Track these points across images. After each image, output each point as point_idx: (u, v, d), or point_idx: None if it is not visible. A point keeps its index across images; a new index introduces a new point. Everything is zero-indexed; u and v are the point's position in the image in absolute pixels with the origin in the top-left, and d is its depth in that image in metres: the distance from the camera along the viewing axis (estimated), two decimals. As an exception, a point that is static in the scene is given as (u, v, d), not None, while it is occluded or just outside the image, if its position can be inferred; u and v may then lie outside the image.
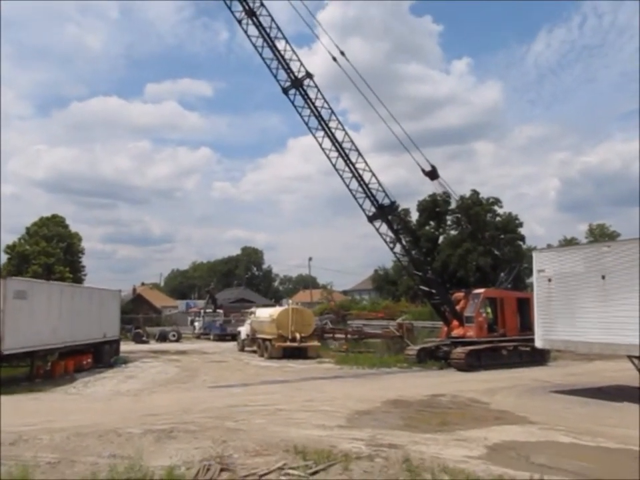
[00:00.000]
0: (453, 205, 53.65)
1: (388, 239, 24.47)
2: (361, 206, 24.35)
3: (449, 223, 59.07)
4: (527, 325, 22.48)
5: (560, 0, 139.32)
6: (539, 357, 23.18)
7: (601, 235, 64.34)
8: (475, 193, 56.95)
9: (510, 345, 23.32)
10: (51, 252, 46.76)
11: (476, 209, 54.53)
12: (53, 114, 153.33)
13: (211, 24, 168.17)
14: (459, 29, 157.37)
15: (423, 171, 25.03)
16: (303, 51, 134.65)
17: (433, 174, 25.12)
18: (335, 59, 24.70)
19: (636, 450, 9.03)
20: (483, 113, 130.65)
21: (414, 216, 59.33)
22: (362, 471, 7.85)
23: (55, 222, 50.63)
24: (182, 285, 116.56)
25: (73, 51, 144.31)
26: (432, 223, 59.15)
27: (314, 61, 77.14)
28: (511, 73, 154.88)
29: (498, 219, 56.49)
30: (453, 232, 58.40)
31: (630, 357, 14.85)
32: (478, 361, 22.01)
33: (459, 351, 22.02)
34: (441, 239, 58.66)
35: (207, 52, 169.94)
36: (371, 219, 24.35)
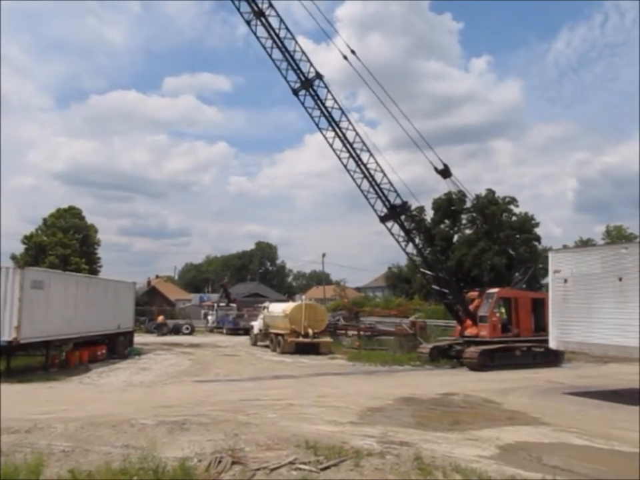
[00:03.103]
0: (468, 204, 53.44)
1: (400, 239, 24.38)
2: (372, 206, 24.23)
3: (464, 221, 58.89)
4: (541, 326, 22.32)
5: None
6: (553, 358, 22.99)
7: (618, 237, 63.54)
8: (491, 192, 56.73)
9: (524, 345, 23.12)
10: (67, 243, 47.29)
11: (492, 208, 54.24)
12: (73, 106, 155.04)
13: (229, 18, 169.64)
14: (479, 26, 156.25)
15: (436, 169, 24.88)
16: (322, 46, 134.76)
17: (445, 172, 24.98)
18: (345, 57, 24.50)
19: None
20: (502, 112, 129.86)
21: (429, 214, 59.26)
22: (373, 468, 7.84)
23: (72, 214, 51.17)
24: (196, 278, 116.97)
25: (93, 44, 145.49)
26: (447, 221, 58.99)
27: (332, 56, 76.76)
28: (531, 71, 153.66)
29: (514, 218, 56.11)
30: (468, 231, 58.18)
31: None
32: (491, 360, 21.88)
33: (472, 350, 21.92)
34: (455, 237, 58.47)
35: (226, 46, 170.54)
36: (383, 220, 24.22)
